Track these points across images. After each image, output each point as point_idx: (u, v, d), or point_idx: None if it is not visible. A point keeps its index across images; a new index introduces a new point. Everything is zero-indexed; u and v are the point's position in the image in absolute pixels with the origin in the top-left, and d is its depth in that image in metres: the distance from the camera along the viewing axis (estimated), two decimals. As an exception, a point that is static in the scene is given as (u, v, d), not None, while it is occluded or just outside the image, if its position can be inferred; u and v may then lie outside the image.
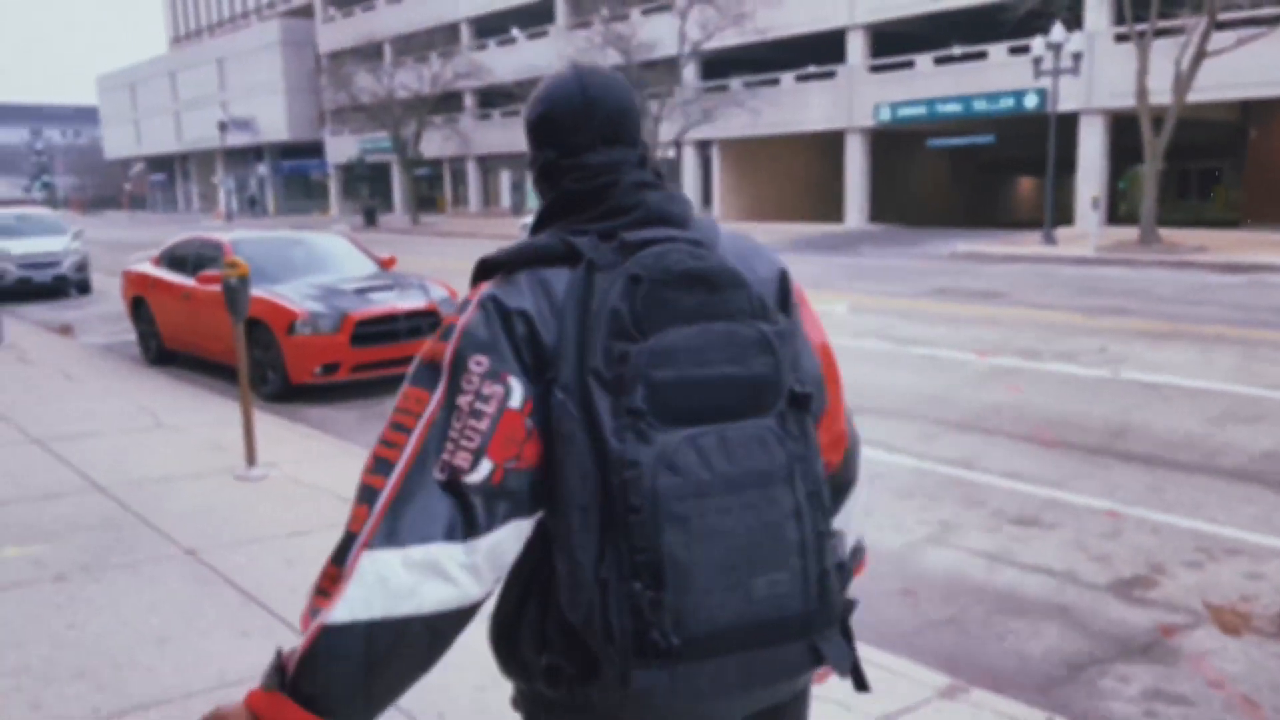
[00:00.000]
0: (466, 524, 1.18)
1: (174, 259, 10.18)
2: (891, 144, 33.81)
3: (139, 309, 10.45)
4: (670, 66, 32.24)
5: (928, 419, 7.10)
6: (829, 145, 33.77)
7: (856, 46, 31.21)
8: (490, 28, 45.19)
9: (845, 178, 32.18)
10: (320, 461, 6.02)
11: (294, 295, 8.54)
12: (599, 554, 1.17)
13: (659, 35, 32.76)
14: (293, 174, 62.30)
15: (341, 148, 53.54)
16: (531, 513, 1.24)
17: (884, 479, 5.66)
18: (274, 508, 5.05)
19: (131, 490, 5.34)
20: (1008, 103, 27.57)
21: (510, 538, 1.22)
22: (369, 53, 45.45)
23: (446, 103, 44.00)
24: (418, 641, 1.17)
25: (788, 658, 1.24)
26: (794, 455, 1.25)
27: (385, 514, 1.18)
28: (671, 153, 34.27)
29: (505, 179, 46.66)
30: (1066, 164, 26.37)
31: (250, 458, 5.67)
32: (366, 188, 52.38)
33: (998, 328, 11.05)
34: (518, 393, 1.21)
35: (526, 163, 1.48)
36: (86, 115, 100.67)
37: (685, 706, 1.21)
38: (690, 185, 36.30)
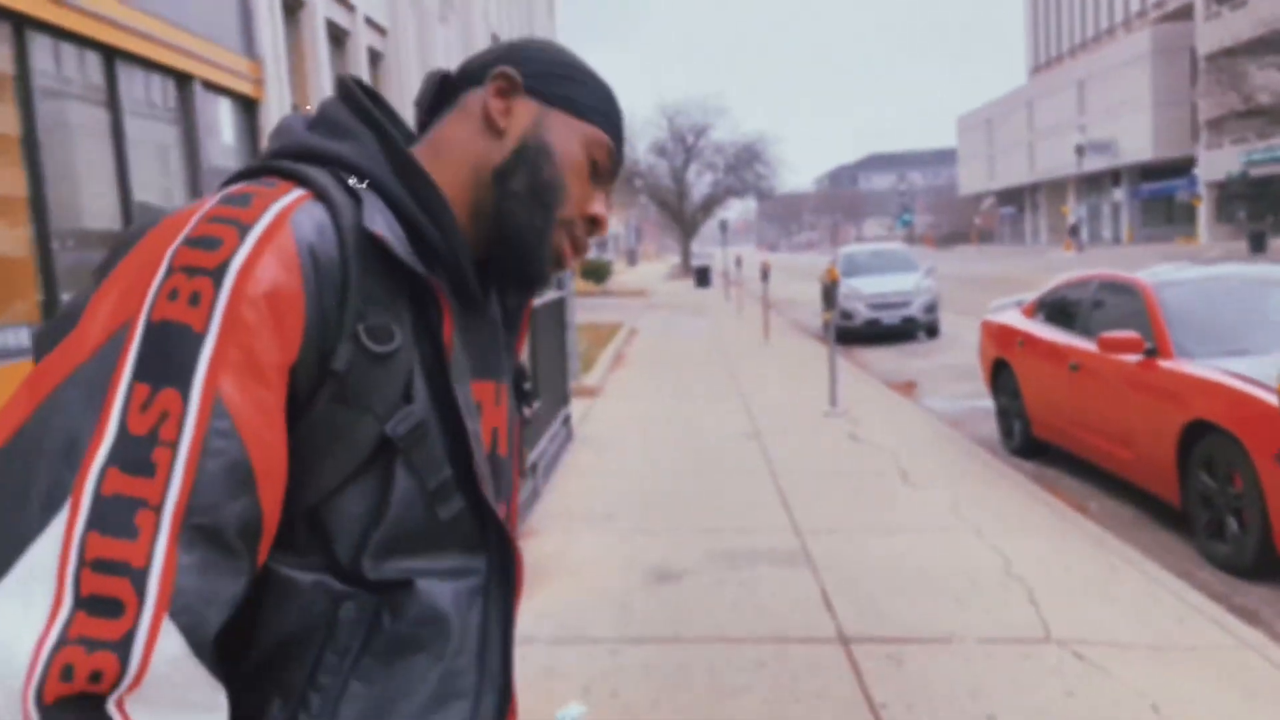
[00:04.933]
0: None
1: (1056, 308, 6.97)
2: None
3: (999, 376, 7.51)
4: None
5: None
6: None
7: None
8: None
9: None
10: None
11: (1288, 384, 4.54)
12: None
13: None
14: (1152, 197, 55.98)
15: (1218, 163, 45.71)
16: None
17: None
18: None
19: None
20: None
21: None
22: (1269, 44, 37.22)
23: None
24: None
25: None
26: None
27: None
28: None
29: None
30: None
31: None
32: (1245, 207, 43.83)
33: None
34: None
35: None
36: (945, 157, 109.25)
37: None
38: None
